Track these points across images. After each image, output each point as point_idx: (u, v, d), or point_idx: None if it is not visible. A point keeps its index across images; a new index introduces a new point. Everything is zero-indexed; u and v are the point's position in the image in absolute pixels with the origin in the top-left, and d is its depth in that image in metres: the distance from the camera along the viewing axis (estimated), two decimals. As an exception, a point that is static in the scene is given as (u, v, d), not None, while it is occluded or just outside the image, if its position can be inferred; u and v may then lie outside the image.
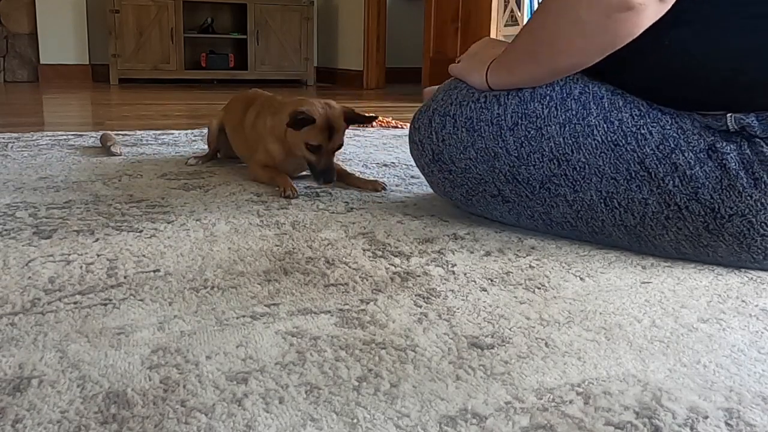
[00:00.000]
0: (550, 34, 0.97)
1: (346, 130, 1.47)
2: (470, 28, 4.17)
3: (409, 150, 1.24)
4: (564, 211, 1.05)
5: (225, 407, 0.59)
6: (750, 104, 0.90)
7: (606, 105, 0.99)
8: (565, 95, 1.01)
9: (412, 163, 1.81)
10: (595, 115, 0.99)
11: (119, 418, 0.57)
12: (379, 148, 2.09)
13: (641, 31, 0.89)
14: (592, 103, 0.99)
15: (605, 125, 0.98)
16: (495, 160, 1.06)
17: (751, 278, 0.95)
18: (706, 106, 0.94)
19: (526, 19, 3.71)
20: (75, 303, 0.81)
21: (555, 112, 1.01)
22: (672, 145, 0.94)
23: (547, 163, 1.02)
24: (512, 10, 3.82)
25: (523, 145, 1.03)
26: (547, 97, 1.02)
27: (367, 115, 1.51)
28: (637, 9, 0.87)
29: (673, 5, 0.89)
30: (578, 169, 1.00)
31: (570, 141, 1.00)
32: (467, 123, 1.08)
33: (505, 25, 3.89)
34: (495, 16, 3.91)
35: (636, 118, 0.97)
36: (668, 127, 0.95)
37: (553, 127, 1.01)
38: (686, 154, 0.94)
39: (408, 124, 2.60)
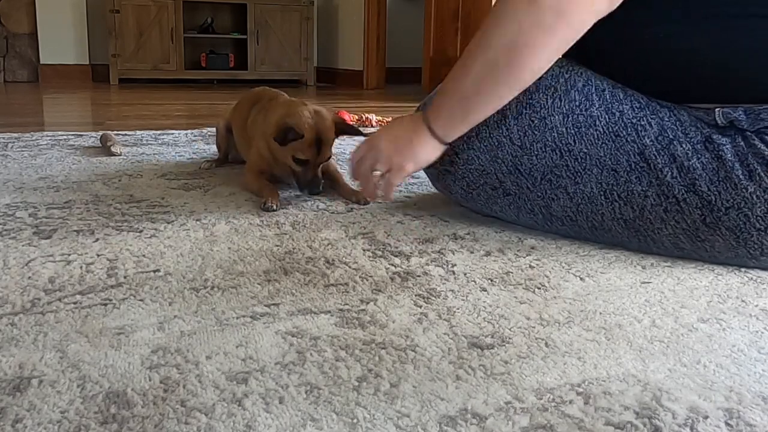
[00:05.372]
0: (505, 40, 0.93)
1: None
2: (470, 28, 4.17)
3: None
4: (564, 204, 1.05)
5: (225, 407, 0.59)
6: (736, 98, 0.93)
7: (608, 97, 1.01)
8: (569, 87, 1.03)
9: (412, 163, 1.81)
10: (597, 106, 1.01)
11: (119, 418, 0.57)
12: (379, 148, 2.08)
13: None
14: (594, 95, 1.02)
15: (607, 116, 1.00)
16: (498, 149, 1.08)
17: (751, 278, 0.95)
18: (695, 99, 0.96)
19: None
20: (75, 303, 0.81)
21: (559, 103, 1.03)
22: (670, 136, 0.96)
23: (549, 154, 1.04)
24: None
25: (527, 134, 1.05)
26: (552, 89, 1.04)
27: (357, 128, 1.45)
28: None
29: (666, 2, 0.93)
30: (579, 160, 1.02)
31: (573, 131, 1.02)
32: None
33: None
34: (495, 16, 3.91)
35: (636, 110, 0.99)
36: (666, 119, 0.97)
37: (557, 117, 1.03)
38: (684, 145, 0.95)
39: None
